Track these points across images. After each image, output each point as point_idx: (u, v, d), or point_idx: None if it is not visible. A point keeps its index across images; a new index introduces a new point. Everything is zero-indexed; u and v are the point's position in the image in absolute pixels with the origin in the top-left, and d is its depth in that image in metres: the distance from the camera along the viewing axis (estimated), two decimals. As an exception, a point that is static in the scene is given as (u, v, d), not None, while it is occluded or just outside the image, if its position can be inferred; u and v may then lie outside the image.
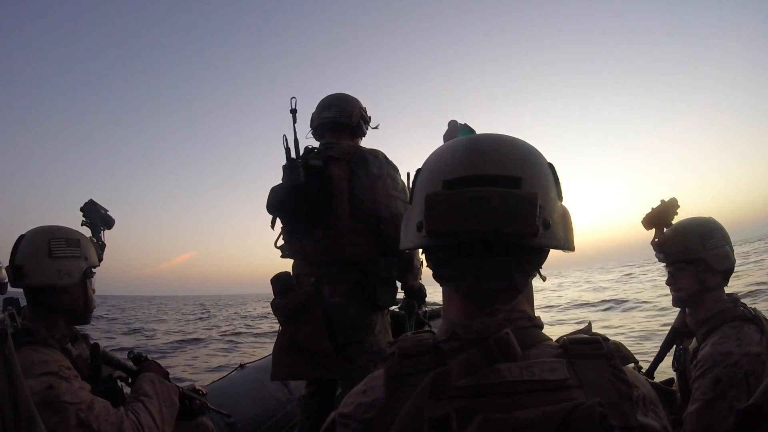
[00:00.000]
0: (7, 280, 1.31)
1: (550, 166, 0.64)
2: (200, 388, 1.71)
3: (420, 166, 0.67)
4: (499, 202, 0.53)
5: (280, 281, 1.81)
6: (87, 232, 1.80)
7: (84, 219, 1.89)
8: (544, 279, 0.66)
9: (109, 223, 1.94)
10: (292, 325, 1.76)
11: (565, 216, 0.63)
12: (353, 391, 0.64)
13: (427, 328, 0.72)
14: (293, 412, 2.61)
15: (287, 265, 1.93)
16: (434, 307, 3.79)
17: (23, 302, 1.35)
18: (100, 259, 1.58)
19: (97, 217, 1.91)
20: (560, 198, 0.64)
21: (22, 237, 1.35)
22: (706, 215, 1.57)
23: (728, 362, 1.31)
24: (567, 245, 0.61)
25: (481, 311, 0.60)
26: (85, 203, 1.92)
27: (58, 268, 1.31)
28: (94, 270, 1.43)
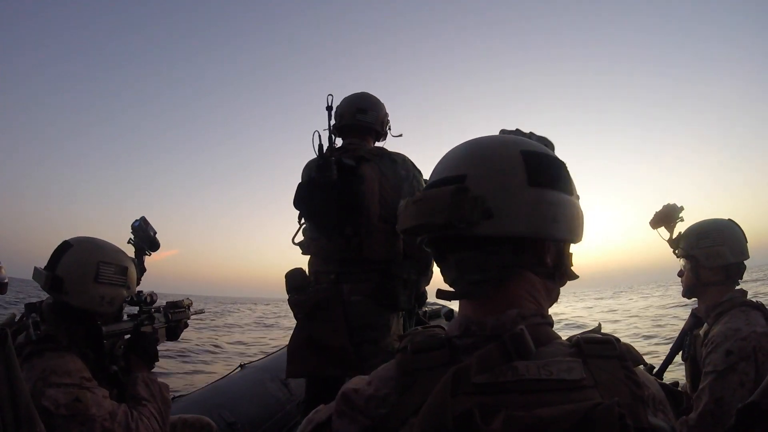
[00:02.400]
0: (7, 280, 1.29)
1: (525, 153, 0.63)
2: (186, 302, 1.68)
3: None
4: (425, 201, 0.62)
5: (294, 278, 1.80)
6: (130, 250, 1.64)
7: (132, 237, 1.69)
8: (572, 277, 0.69)
9: (155, 247, 1.73)
10: (311, 322, 1.75)
11: (538, 203, 0.61)
12: (359, 378, 0.64)
13: (434, 324, 0.73)
14: (293, 412, 2.61)
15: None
16: (434, 307, 3.82)
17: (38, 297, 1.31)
18: (138, 285, 1.49)
19: (146, 239, 1.69)
20: (540, 184, 0.62)
21: (67, 245, 1.27)
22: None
23: (738, 336, 1.45)
24: (535, 231, 0.60)
25: (483, 308, 0.63)
26: (138, 221, 1.72)
27: (101, 295, 1.26)
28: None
